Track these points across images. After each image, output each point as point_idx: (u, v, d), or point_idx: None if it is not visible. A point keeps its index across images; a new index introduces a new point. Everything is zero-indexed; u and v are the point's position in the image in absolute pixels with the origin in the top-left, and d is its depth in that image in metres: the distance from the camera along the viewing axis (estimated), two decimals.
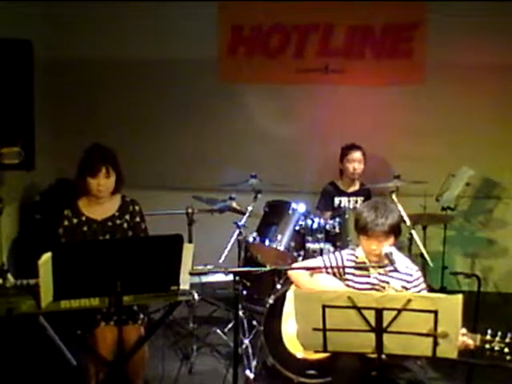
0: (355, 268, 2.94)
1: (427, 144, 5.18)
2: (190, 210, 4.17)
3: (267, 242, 4.00)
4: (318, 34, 5.36)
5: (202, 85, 5.42)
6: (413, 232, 4.11)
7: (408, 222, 3.99)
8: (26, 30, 4.50)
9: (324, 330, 2.41)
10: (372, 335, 2.38)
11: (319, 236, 4.00)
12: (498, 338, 2.46)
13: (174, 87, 5.42)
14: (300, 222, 4.01)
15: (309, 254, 3.95)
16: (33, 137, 4.09)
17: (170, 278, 2.71)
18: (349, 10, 5.25)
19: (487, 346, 2.47)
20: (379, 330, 2.37)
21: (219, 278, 4.02)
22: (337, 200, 4.67)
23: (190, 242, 4.04)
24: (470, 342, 2.50)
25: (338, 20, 5.31)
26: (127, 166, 3.37)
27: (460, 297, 2.28)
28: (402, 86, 5.22)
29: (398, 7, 5.19)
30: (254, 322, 4.01)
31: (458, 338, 2.39)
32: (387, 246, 2.82)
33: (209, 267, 3.63)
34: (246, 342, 3.87)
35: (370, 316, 2.36)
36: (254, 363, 3.72)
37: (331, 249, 3.93)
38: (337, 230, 4.00)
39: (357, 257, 2.98)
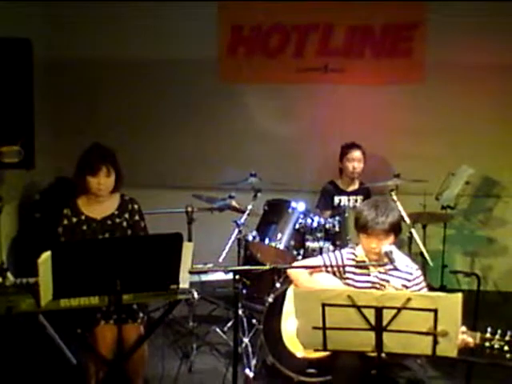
0: (355, 267, 2.94)
1: (427, 143, 5.19)
2: (189, 209, 4.17)
3: (267, 241, 4.00)
4: (318, 33, 5.36)
5: (201, 85, 5.42)
6: (412, 231, 4.11)
7: (408, 221, 4.00)
8: (26, 29, 4.50)
9: (324, 328, 2.41)
10: (372, 334, 2.38)
11: (319, 235, 4.01)
12: (497, 336, 2.46)
13: (173, 87, 5.43)
14: (300, 221, 4.02)
15: (308, 253, 3.96)
16: (32, 136, 4.09)
17: (170, 277, 2.71)
18: (348, 10, 5.25)
19: (487, 344, 2.47)
20: (379, 328, 2.37)
21: (219, 276, 4.01)
22: (336, 199, 4.67)
23: (190, 240, 4.04)
24: (470, 340, 2.50)
25: (338, 20, 5.31)
26: (127, 166, 3.38)
27: (460, 295, 2.28)
28: (402, 86, 5.23)
29: (397, 7, 5.20)
30: (254, 321, 4.01)
31: (458, 337, 2.39)
32: (387, 245, 2.82)
33: (208, 266, 3.63)
34: (246, 340, 3.87)
35: (370, 315, 2.36)
36: (253, 362, 3.72)
37: (331, 248, 3.94)
38: (336, 229, 4.00)
39: (356, 255, 2.97)
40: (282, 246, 3.97)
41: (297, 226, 4.01)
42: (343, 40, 5.34)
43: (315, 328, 2.42)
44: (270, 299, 3.60)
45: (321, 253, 3.87)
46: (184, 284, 2.85)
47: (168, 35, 5.41)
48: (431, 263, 3.97)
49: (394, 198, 4.06)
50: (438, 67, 5.13)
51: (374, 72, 5.29)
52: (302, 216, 4.04)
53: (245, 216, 4.08)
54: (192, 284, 3.04)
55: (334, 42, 5.35)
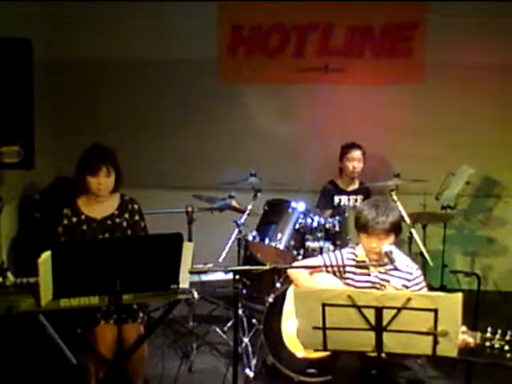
0: (355, 267, 2.94)
1: (427, 143, 5.19)
2: (189, 209, 4.18)
3: (267, 241, 4.01)
4: (318, 33, 5.36)
5: (201, 85, 5.42)
6: (412, 231, 4.11)
7: (408, 221, 4.00)
8: (26, 29, 4.50)
9: (324, 328, 2.41)
10: (372, 334, 2.38)
11: (319, 235, 4.01)
12: (498, 336, 2.46)
13: (173, 87, 5.43)
14: (300, 221, 4.02)
15: (308, 253, 3.96)
16: (32, 136, 4.09)
17: (170, 277, 2.71)
18: (348, 10, 5.25)
19: (487, 343, 2.47)
20: (379, 328, 2.37)
21: (219, 276, 4.01)
22: (336, 198, 4.68)
23: (190, 240, 4.04)
24: (470, 339, 2.50)
25: (338, 20, 5.31)
26: (127, 166, 3.38)
27: (460, 295, 2.28)
28: (402, 85, 5.23)
29: (397, 7, 5.20)
30: (254, 321, 4.01)
31: (458, 337, 2.39)
32: (387, 245, 2.82)
33: (208, 266, 3.63)
34: (246, 340, 3.87)
35: (370, 314, 2.36)
36: (253, 362, 3.72)
37: (331, 247, 3.94)
38: (336, 229, 4.00)
39: (357, 255, 2.97)
40: (282, 246, 3.97)
41: (297, 226, 4.01)
42: (343, 40, 5.34)
43: (315, 328, 2.42)
44: (270, 299, 3.60)
45: (321, 253, 3.87)
46: (184, 284, 2.85)
47: (168, 35, 5.41)
48: (431, 263, 3.97)
49: (394, 197, 4.06)
50: (437, 67, 5.13)
51: (373, 72, 5.29)
52: (302, 216, 4.04)
53: (245, 216, 4.08)
54: (192, 284, 3.04)
55: (333, 42, 5.35)
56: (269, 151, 5.39)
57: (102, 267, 2.59)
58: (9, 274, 3.21)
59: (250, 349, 3.81)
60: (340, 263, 2.97)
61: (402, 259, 2.89)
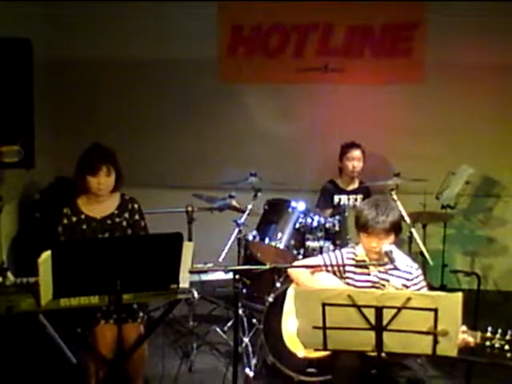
0: (355, 266, 2.94)
1: (427, 143, 5.19)
2: (189, 209, 4.18)
3: (267, 241, 4.01)
4: (318, 33, 5.36)
5: (201, 85, 5.42)
6: (413, 230, 4.11)
7: (408, 220, 4.00)
8: (26, 29, 4.50)
9: (324, 328, 2.41)
10: (372, 333, 2.38)
11: (319, 234, 4.01)
12: (498, 336, 2.46)
13: (173, 87, 5.43)
14: (300, 220, 4.02)
15: (309, 253, 3.96)
16: (32, 135, 4.09)
17: (170, 277, 2.71)
18: (348, 10, 5.25)
19: (487, 343, 2.47)
20: (379, 328, 2.37)
21: (219, 276, 4.01)
22: (336, 198, 4.68)
23: (190, 240, 4.04)
24: (471, 339, 2.50)
25: (338, 20, 5.31)
26: (127, 165, 3.38)
27: (460, 295, 2.28)
28: (402, 85, 5.23)
29: (397, 7, 5.20)
30: (254, 321, 4.01)
31: (458, 336, 2.39)
32: (387, 244, 2.82)
33: (208, 265, 3.63)
34: (246, 340, 3.87)
35: (370, 314, 2.36)
36: (253, 361, 3.72)
37: (331, 247, 3.94)
38: (336, 228, 4.00)
39: (357, 255, 2.97)
40: (282, 246, 3.97)
41: (297, 226, 4.01)
42: (343, 40, 5.34)
43: (315, 327, 2.42)
44: (271, 299, 3.60)
45: (321, 252, 3.87)
46: (184, 283, 2.85)
47: (168, 35, 5.41)
48: (431, 263, 3.97)
49: (394, 197, 4.06)
50: (437, 67, 5.13)
51: (373, 72, 5.29)
52: (302, 215, 4.04)
53: (245, 215, 4.08)
54: (192, 283, 3.04)
55: (333, 42, 5.35)
56: (269, 151, 5.39)
57: (102, 267, 2.59)
58: (9, 274, 3.21)
59: (250, 348, 3.81)
60: (340, 263, 2.97)
61: (401, 259, 2.89)
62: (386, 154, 5.25)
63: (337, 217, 4.04)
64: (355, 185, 4.76)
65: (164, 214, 4.20)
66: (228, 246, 3.98)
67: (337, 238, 3.99)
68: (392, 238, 2.85)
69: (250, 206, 4.10)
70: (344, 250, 3.06)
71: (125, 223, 3.30)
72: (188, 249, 2.91)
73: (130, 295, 2.81)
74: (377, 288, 2.84)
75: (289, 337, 3.22)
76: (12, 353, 3.49)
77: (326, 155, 4.99)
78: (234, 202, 4.26)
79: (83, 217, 3.27)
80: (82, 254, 2.57)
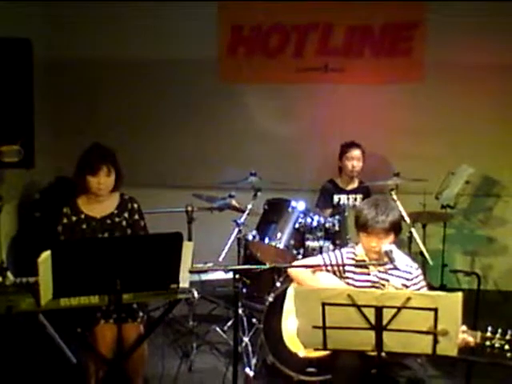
0: (355, 266, 2.94)
1: (427, 142, 5.19)
2: (189, 208, 4.18)
3: (267, 240, 4.00)
4: (318, 33, 5.36)
5: (201, 85, 5.42)
6: (412, 230, 4.11)
7: (408, 220, 4.00)
8: (26, 29, 4.50)
9: (324, 327, 2.41)
10: (372, 333, 2.38)
11: (319, 234, 4.01)
12: (498, 335, 2.46)
13: (173, 87, 5.43)
14: (300, 220, 4.01)
15: (308, 252, 3.96)
16: (32, 135, 4.09)
17: (170, 276, 2.71)
18: (348, 10, 5.25)
19: (487, 343, 2.47)
20: (379, 327, 2.37)
21: (219, 275, 4.02)
22: (336, 198, 4.68)
23: (190, 240, 4.04)
24: (471, 339, 2.50)
25: (338, 20, 5.31)
26: (128, 165, 3.38)
27: (460, 295, 2.28)
28: (402, 85, 5.23)
29: (397, 7, 5.20)
30: (254, 320, 4.01)
31: (458, 336, 2.39)
32: (387, 244, 2.82)
33: (208, 265, 3.61)
34: (246, 339, 3.87)
35: (370, 314, 2.36)
36: (253, 361, 3.72)
37: (331, 247, 3.94)
38: (336, 228, 4.00)
39: (356, 255, 2.97)
40: (281, 246, 3.97)
41: (297, 226, 4.01)
42: (343, 40, 5.34)
43: (315, 327, 2.42)
44: (270, 298, 3.60)
45: (321, 252, 3.87)
46: (184, 283, 2.85)
47: (168, 35, 5.41)
48: (431, 262, 3.97)
49: (394, 197, 4.07)
50: (437, 67, 5.13)
51: (373, 71, 5.29)
52: (301, 215, 4.03)
53: (245, 215, 4.08)
54: (192, 283, 3.04)
55: (333, 42, 5.35)
56: (269, 151, 5.39)
57: (102, 266, 2.59)
58: (8, 274, 3.20)
59: (250, 348, 3.81)
60: (340, 262, 2.97)
61: (401, 258, 2.89)
62: (386, 154, 5.25)
63: (337, 216, 4.04)
64: (355, 184, 4.76)
65: (164, 214, 4.20)
66: (228, 245, 3.98)
67: (336, 238, 3.99)
68: (392, 237, 2.85)
69: (249, 206, 4.10)
70: (344, 250, 3.05)
71: (124, 223, 3.31)
72: (188, 248, 2.91)
73: (130, 295, 2.81)
74: (377, 288, 2.84)
75: (289, 336, 3.22)
76: (12, 353, 3.49)
77: (326, 155, 4.98)
78: (233, 202, 4.26)
79: (83, 216, 3.27)
80: (82, 254, 2.58)
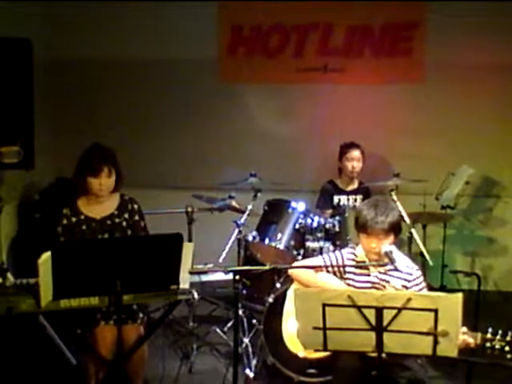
0: (355, 267, 2.94)
1: (427, 143, 5.19)
2: (189, 209, 4.18)
3: (267, 241, 4.01)
4: (318, 33, 5.37)
5: (201, 85, 5.42)
6: (412, 231, 4.11)
7: (408, 221, 4.00)
8: (26, 29, 4.50)
9: (324, 328, 2.41)
10: (372, 334, 2.38)
11: (319, 235, 4.01)
12: (498, 337, 2.45)
13: (173, 87, 5.43)
14: (300, 221, 4.02)
15: (308, 253, 3.96)
16: (32, 136, 4.09)
17: (170, 277, 2.71)
18: (348, 10, 5.25)
19: (488, 344, 2.46)
20: (379, 328, 2.36)
21: (219, 276, 4.01)
22: (336, 198, 4.68)
23: (190, 240, 4.04)
24: (471, 340, 2.49)
25: (338, 20, 5.31)
26: (127, 166, 3.37)
27: (460, 295, 2.28)
28: (402, 85, 5.23)
29: (397, 7, 5.20)
30: (254, 321, 4.00)
31: (459, 337, 2.38)
32: (387, 245, 2.81)
33: (208, 266, 3.63)
34: (246, 340, 3.87)
35: (371, 315, 2.36)
36: (254, 362, 3.72)
37: (331, 248, 3.93)
38: (336, 229, 4.00)
39: (357, 255, 2.97)
40: (282, 246, 3.97)
41: (297, 226, 4.01)
42: (343, 40, 5.34)
43: (316, 328, 2.42)
44: (270, 299, 3.60)
45: (321, 253, 3.86)
46: (184, 284, 2.84)
47: (168, 35, 5.41)
48: (431, 263, 3.97)
49: (394, 197, 4.06)
50: (437, 67, 5.13)
51: (373, 71, 5.29)
52: (302, 216, 4.04)
53: (245, 216, 4.08)
54: (192, 284, 3.04)
55: (333, 42, 5.35)
56: (269, 151, 5.39)
57: (102, 267, 2.58)
58: (9, 275, 3.21)
59: (250, 349, 3.81)
60: (340, 263, 2.96)
61: (402, 259, 2.88)
62: (386, 154, 5.25)
63: (337, 217, 4.04)
64: (355, 185, 4.76)
65: (164, 215, 4.20)
66: (228, 246, 3.98)
67: (337, 239, 3.99)
68: (391, 238, 2.85)
69: (249, 207, 4.10)
70: (344, 251, 3.05)
71: (124, 224, 3.30)
72: (188, 249, 2.90)
73: (130, 296, 2.81)
74: (377, 289, 2.84)
75: (289, 337, 3.21)
76: (12, 354, 3.49)
77: (326, 155, 4.98)
78: (233, 203, 4.26)
79: (83, 217, 3.27)
80: (82, 255, 2.57)
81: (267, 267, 3.18)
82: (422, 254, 4.02)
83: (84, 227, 3.25)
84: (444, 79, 5.14)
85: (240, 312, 3.82)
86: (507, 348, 2.43)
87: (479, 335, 2.49)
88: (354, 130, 5.07)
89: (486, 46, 5.02)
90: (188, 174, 5.42)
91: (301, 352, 3.05)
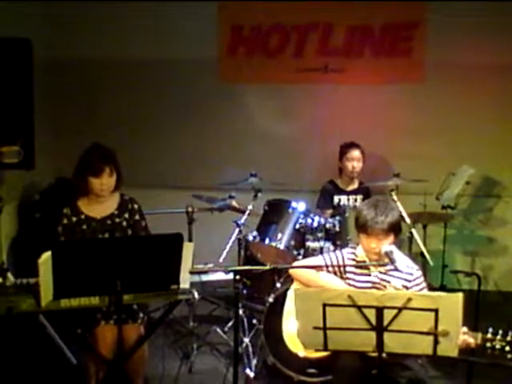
0: (356, 267, 2.94)
1: (427, 143, 5.19)
2: (190, 209, 4.18)
3: (267, 241, 4.01)
4: (318, 33, 5.36)
5: (201, 85, 5.42)
6: (413, 230, 4.11)
7: (408, 221, 4.00)
8: (26, 29, 4.50)
9: (324, 328, 2.41)
10: (372, 334, 2.38)
11: (319, 235, 4.01)
12: (499, 337, 2.45)
13: (173, 87, 5.43)
14: (300, 221, 4.02)
15: (309, 253, 3.96)
16: (32, 136, 4.09)
17: (170, 277, 2.71)
18: (348, 10, 5.25)
19: (488, 344, 2.46)
20: (380, 328, 2.36)
21: (219, 276, 4.00)
22: (336, 198, 4.68)
23: (190, 240, 4.04)
24: (471, 340, 2.49)
25: (338, 20, 5.31)
26: (127, 166, 3.37)
27: (460, 295, 2.28)
28: (402, 85, 5.23)
29: (397, 7, 5.20)
30: (254, 321, 4.01)
31: (459, 337, 2.39)
32: (387, 245, 2.81)
33: (209, 266, 3.63)
34: (247, 340, 3.87)
35: (371, 315, 2.36)
36: (254, 362, 3.72)
37: (331, 247, 3.93)
38: (337, 229, 4.00)
39: (357, 255, 2.96)
40: (282, 246, 3.97)
41: (297, 226, 4.01)
42: (343, 40, 5.34)
43: (316, 328, 2.42)
44: (271, 299, 3.60)
45: (321, 253, 3.86)
46: (184, 284, 2.85)
47: (168, 35, 5.41)
48: (431, 263, 3.97)
49: (395, 197, 4.06)
50: (437, 67, 5.13)
51: (373, 72, 5.29)
52: (302, 216, 4.04)
53: (245, 216, 4.08)
54: (192, 284, 3.04)
55: (333, 42, 5.35)
56: (269, 151, 5.39)
57: (102, 267, 2.59)
58: (9, 275, 3.21)
59: (250, 349, 3.81)
60: (340, 263, 2.96)
61: (402, 260, 2.88)
62: (386, 154, 5.25)
63: (337, 217, 4.04)
64: (355, 185, 4.76)
65: (164, 215, 4.20)
66: (228, 246, 3.97)
67: (337, 239, 3.99)
68: (391, 238, 2.84)
69: (250, 207, 4.10)
70: (344, 251, 3.05)
71: (125, 223, 3.30)
72: (188, 249, 2.90)
73: (130, 296, 2.81)
74: (377, 289, 2.84)
75: (289, 337, 3.21)
76: (12, 353, 3.49)
77: (326, 155, 4.98)
78: (234, 203, 4.26)
79: (83, 217, 3.27)
80: (83, 255, 2.57)
81: (267, 267, 3.18)
82: (422, 253, 4.02)
83: (84, 227, 3.26)
84: (444, 79, 5.14)
85: (240, 312, 3.82)
86: (507, 348, 2.43)
87: (479, 335, 2.49)
88: (354, 130, 5.07)
89: (486, 46, 5.02)
90: (188, 174, 5.42)
91: (301, 352, 3.05)
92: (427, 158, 5.07)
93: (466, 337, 2.48)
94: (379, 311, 2.34)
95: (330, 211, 4.52)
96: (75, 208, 3.28)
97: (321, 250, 3.94)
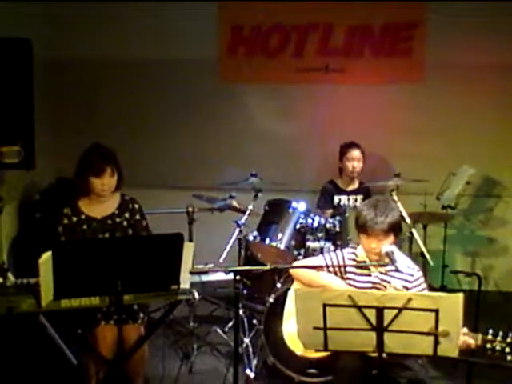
0: (356, 267, 2.94)
1: (427, 143, 5.19)
2: (190, 209, 4.18)
3: (267, 241, 4.01)
4: (318, 33, 5.36)
5: (201, 85, 5.42)
6: (413, 231, 4.11)
7: (408, 221, 4.00)
8: (26, 29, 4.50)
9: (325, 328, 2.41)
10: (373, 334, 2.38)
11: (319, 235, 4.01)
12: (499, 338, 2.45)
13: (173, 87, 5.43)
14: (300, 221, 4.02)
15: (309, 253, 3.96)
16: (33, 136, 4.09)
17: (171, 277, 2.71)
18: (348, 10, 5.25)
19: (488, 345, 2.46)
20: (380, 328, 2.37)
21: (219, 276, 4.01)
22: (336, 198, 4.68)
23: (191, 240, 4.04)
24: (472, 341, 2.49)
25: (338, 20, 5.31)
26: (128, 166, 3.37)
27: (461, 295, 2.28)
28: (402, 85, 5.23)
29: (397, 7, 5.20)
30: (255, 321, 4.01)
31: (459, 337, 2.38)
32: (388, 245, 2.81)
33: (209, 266, 3.63)
34: (247, 340, 3.87)
35: (371, 315, 2.36)
36: (254, 362, 3.72)
37: (331, 247, 3.93)
38: (337, 229, 4.00)
39: (357, 256, 2.96)
40: (282, 246, 3.97)
41: (297, 226, 4.02)
42: (343, 40, 5.34)
43: (316, 328, 2.42)
44: (271, 299, 3.60)
45: (321, 253, 3.86)
46: (185, 284, 2.85)
47: (168, 35, 5.41)
48: (432, 263, 3.97)
49: (395, 197, 4.06)
50: (438, 67, 5.13)
51: (373, 72, 5.29)
52: (302, 216, 4.04)
53: (245, 216, 4.08)
54: (193, 284, 3.04)
55: (333, 42, 5.35)
56: (269, 151, 5.39)
57: (102, 267, 2.59)
58: (9, 275, 3.21)
59: (250, 349, 3.81)
60: (341, 263, 2.96)
61: (402, 260, 2.88)
62: (386, 154, 5.25)
63: (337, 217, 4.04)
64: (355, 185, 4.76)
65: (164, 215, 4.20)
66: (228, 246, 3.97)
67: (337, 239, 3.99)
68: (391, 238, 2.84)
69: (250, 207, 4.10)
70: (345, 251, 3.05)
71: (125, 223, 3.30)
72: (188, 249, 2.90)
73: (131, 296, 2.81)
74: (378, 289, 2.84)
75: (289, 337, 3.21)
76: (12, 353, 3.49)
77: (326, 155, 4.98)
78: (234, 203, 4.26)
79: (83, 217, 3.27)
80: (83, 255, 2.57)
81: (268, 267, 3.18)
82: (422, 254, 4.02)
83: (85, 227, 3.26)
84: (444, 79, 5.14)
85: (240, 312, 3.82)
86: (508, 349, 2.43)
87: (480, 336, 2.49)
88: (354, 129, 5.07)
89: (486, 46, 5.02)
90: (188, 173, 5.42)
91: (301, 352, 3.05)
92: (427, 158, 5.07)
93: (466, 338, 2.48)
94: (379, 311, 2.34)
95: (330, 211, 4.52)
96: (76, 208, 3.28)
97: (321, 250, 3.94)
